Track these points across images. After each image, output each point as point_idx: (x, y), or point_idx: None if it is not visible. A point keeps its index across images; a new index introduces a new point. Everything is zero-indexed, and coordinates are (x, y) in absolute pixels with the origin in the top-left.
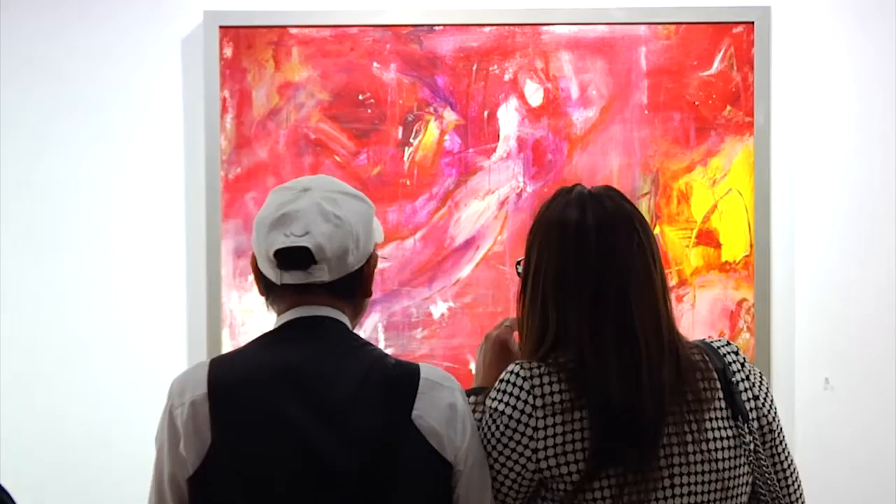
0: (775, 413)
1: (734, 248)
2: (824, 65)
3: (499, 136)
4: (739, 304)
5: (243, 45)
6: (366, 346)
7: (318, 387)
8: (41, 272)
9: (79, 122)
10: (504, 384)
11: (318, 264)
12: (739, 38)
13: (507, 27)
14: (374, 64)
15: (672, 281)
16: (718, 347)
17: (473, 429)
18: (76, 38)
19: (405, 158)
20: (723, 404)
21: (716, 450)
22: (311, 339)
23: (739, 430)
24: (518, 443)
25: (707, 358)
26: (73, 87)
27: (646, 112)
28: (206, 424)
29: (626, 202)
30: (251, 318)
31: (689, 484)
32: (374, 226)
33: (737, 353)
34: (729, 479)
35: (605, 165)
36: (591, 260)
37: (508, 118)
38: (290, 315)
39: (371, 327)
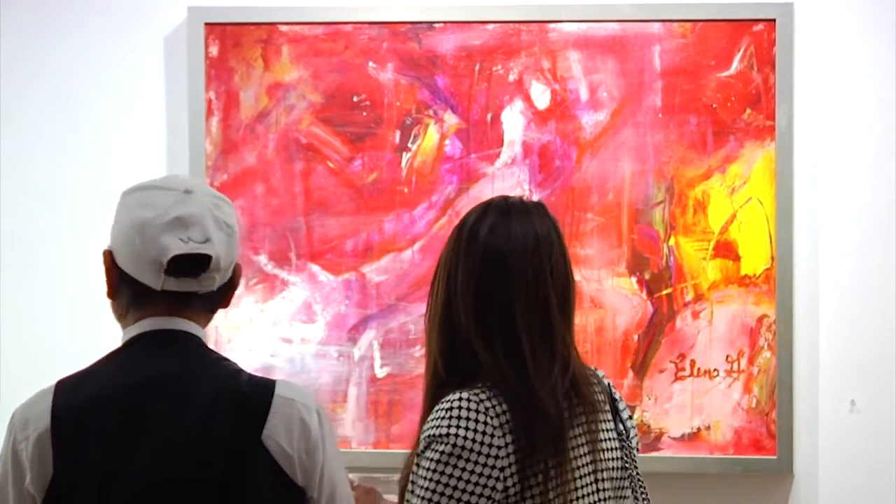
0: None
1: (754, 260)
2: (850, 65)
3: (503, 140)
4: (760, 320)
5: (230, 43)
6: (221, 362)
7: (168, 408)
8: (17, 277)
9: (55, 125)
10: (455, 410)
11: (210, 273)
12: (760, 37)
13: (511, 25)
14: (370, 63)
15: (688, 296)
16: (596, 371)
17: (334, 454)
18: (52, 37)
19: (403, 164)
20: (609, 416)
21: (608, 459)
22: (165, 356)
23: (622, 444)
24: (484, 465)
25: (597, 376)
26: (49, 88)
27: (660, 115)
28: (50, 457)
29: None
30: (238, 334)
31: (581, 487)
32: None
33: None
34: (619, 488)
35: (616, 172)
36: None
37: (513, 122)
38: (140, 328)
39: (367, 345)
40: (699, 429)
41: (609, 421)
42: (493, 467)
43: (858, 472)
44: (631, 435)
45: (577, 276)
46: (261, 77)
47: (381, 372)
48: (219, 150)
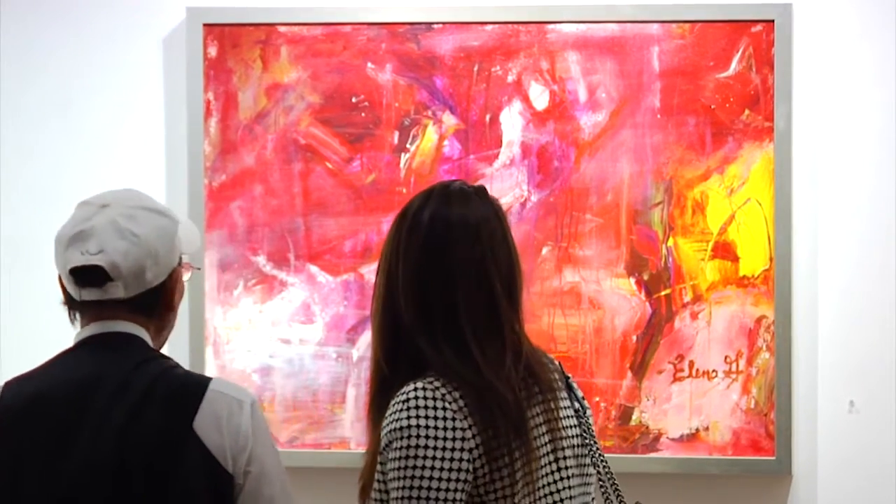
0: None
1: (753, 261)
2: (850, 66)
3: (501, 141)
4: (758, 321)
5: (229, 44)
6: (157, 359)
7: (103, 402)
8: (17, 281)
9: (55, 126)
10: (412, 401)
11: (114, 282)
12: (759, 38)
13: (510, 25)
14: (369, 64)
15: (687, 296)
16: (546, 353)
17: (265, 445)
18: (52, 38)
19: (402, 165)
20: (565, 394)
21: (569, 437)
22: (104, 355)
23: (580, 420)
24: (453, 450)
25: (550, 358)
26: (49, 89)
27: (658, 116)
28: None
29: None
30: (237, 335)
31: (540, 467)
32: (180, 240)
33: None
34: (574, 476)
35: (614, 173)
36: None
37: (512, 122)
38: (86, 332)
39: (365, 346)
40: (698, 430)
41: (565, 399)
42: (462, 450)
43: (857, 473)
44: (587, 412)
45: (576, 277)
46: (259, 78)
47: None
48: (217, 151)
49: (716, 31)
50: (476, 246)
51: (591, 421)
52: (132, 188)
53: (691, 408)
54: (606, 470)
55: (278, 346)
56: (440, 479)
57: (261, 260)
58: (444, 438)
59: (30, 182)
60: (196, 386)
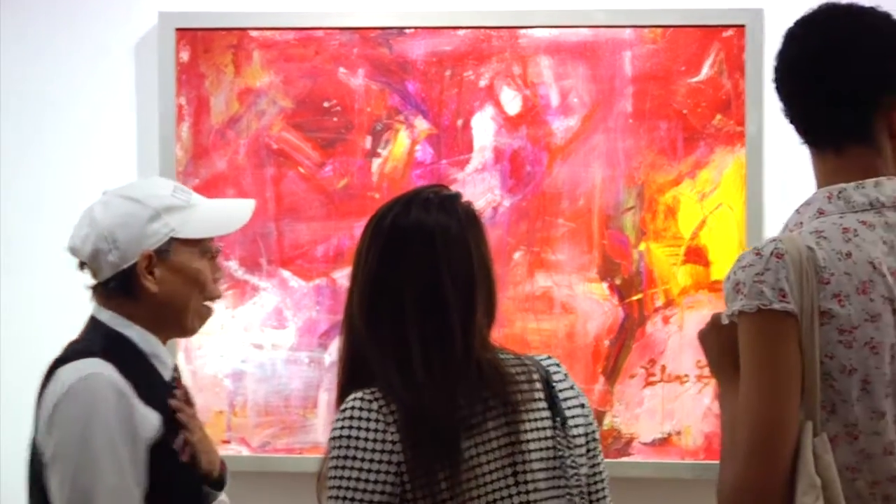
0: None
1: (725, 266)
2: None
3: (473, 146)
4: None
5: (201, 48)
6: (74, 344)
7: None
8: None
9: (26, 131)
10: (349, 411)
11: (84, 266)
12: (730, 43)
13: (482, 30)
14: (341, 69)
15: (659, 301)
16: (541, 360)
17: (68, 429)
18: (24, 44)
19: (374, 170)
20: (543, 405)
21: (535, 450)
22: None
23: (557, 433)
24: (380, 461)
25: (528, 365)
26: (19, 95)
27: (630, 121)
28: None
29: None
30: (209, 340)
31: (493, 482)
32: (155, 227)
33: (558, 366)
34: (539, 489)
35: (587, 178)
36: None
37: (484, 127)
38: None
39: (337, 351)
40: (670, 434)
41: (539, 410)
42: (390, 462)
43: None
44: (576, 423)
45: (548, 282)
46: (231, 82)
47: None
48: (189, 156)
49: (687, 36)
50: (429, 254)
51: (576, 432)
52: (155, 177)
53: (663, 412)
54: (577, 483)
55: (250, 351)
56: (364, 491)
57: (233, 265)
58: (373, 451)
59: (2, 185)
60: (55, 365)
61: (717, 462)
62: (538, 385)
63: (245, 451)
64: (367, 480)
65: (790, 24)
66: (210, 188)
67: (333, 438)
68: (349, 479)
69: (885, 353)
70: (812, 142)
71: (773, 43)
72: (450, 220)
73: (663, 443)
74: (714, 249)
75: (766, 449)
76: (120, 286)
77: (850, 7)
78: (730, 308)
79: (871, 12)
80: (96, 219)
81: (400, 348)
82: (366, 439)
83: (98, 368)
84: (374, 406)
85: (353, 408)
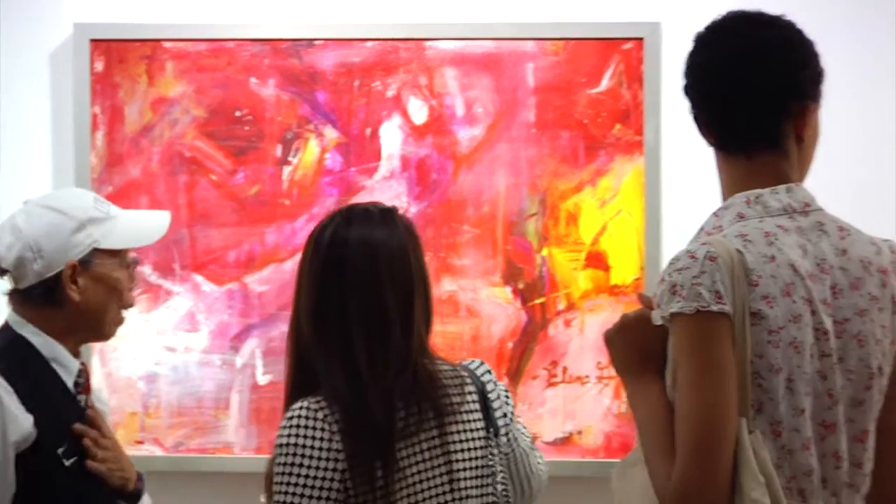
0: (516, 429)
1: (624, 271)
2: None
3: (381, 154)
4: None
5: (115, 58)
6: None
7: None
8: None
9: None
10: (295, 419)
11: (5, 273)
12: (629, 55)
13: (390, 42)
14: (252, 79)
15: (560, 304)
16: (475, 369)
17: None
18: None
19: (284, 177)
20: (477, 417)
21: (468, 458)
22: None
23: (489, 443)
24: (325, 469)
25: (463, 376)
26: None
27: (533, 130)
28: None
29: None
30: (123, 343)
31: (428, 488)
32: (79, 238)
33: (490, 373)
34: (471, 496)
35: (491, 185)
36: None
37: (391, 136)
38: None
39: (249, 353)
40: (571, 433)
41: (473, 421)
42: (335, 470)
43: None
44: (502, 433)
45: (453, 286)
46: (145, 92)
47: (263, 379)
48: (104, 164)
49: (588, 49)
50: (372, 266)
51: (506, 440)
52: (76, 188)
53: (565, 412)
54: (504, 489)
55: (164, 354)
56: (311, 497)
57: (146, 269)
58: (319, 458)
59: None
60: None
61: (617, 460)
62: (472, 397)
63: (158, 452)
64: (313, 486)
65: (686, 36)
66: (124, 195)
67: (280, 445)
68: (296, 485)
69: (805, 353)
70: (722, 147)
71: (670, 55)
72: (390, 232)
73: (565, 442)
74: (614, 254)
75: (709, 447)
76: (43, 294)
77: (759, 16)
78: (665, 309)
79: (781, 22)
80: (20, 228)
81: (346, 354)
82: (311, 447)
83: None
84: (320, 415)
85: (299, 416)
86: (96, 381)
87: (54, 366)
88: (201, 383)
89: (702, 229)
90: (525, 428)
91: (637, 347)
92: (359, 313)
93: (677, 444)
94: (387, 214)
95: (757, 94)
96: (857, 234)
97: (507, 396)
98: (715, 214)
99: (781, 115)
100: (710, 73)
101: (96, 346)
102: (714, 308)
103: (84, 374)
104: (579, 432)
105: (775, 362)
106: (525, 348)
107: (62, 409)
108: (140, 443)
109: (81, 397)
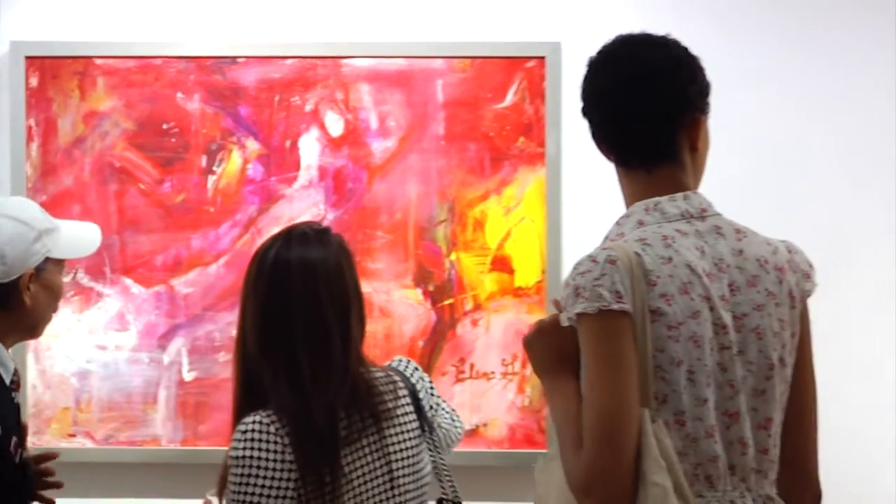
0: (440, 417)
1: (527, 274)
2: None
3: (300, 165)
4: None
5: (49, 74)
6: None
7: None
8: None
9: None
10: (249, 433)
11: None
12: (532, 72)
13: (308, 60)
14: (178, 94)
15: (468, 305)
16: (404, 370)
17: None
18: None
19: (209, 186)
20: (411, 418)
21: (406, 458)
22: None
23: (422, 440)
24: (280, 479)
25: (396, 381)
26: None
27: (442, 143)
28: None
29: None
30: (56, 341)
31: (370, 489)
32: (37, 247)
33: (417, 369)
34: (409, 490)
35: (403, 194)
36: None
37: (310, 148)
38: None
39: (175, 351)
40: (478, 426)
41: (407, 423)
42: (288, 479)
43: None
44: (436, 428)
45: (367, 288)
46: (77, 106)
47: (188, 376)
48: (38, 173)
49: (493, 67)
50: (313, 286)
51: (442, 436)
52: (24, 198)
53: (472, 406)
54: (450, 483)
55: (95, 352)
56: (267, 502)
57: (79, 273)
58: (273, 469)
59: None
60: None
61: (520, 451)
62: (405, 399)
63: (90, 444)
64: (269, 496)
65: (585, 55)
66: (58, 204)
67: (236, 458)
68: (254, 494)
69: (705, 346)
70: (623, 163)
71: (569, 72)
72: (327, 252)
73: (472, 434)
74: (517, 258)
75: (613, 436)
76: None
77: (647, 38)
78: (570, 311)
79: (667, 42)
80: None
81: (290, 369)
82: (266, 459)
83: None
84: (272, 429)
85: (253, 430)
86: (31, 377)
87: None
88: (130, 380)
89: (606, 237)
90: (444, 403)
91: (553, 349)
92: (302, 331)
93: (584, 434)
94: (322, 235)
95: (652, 114)
96: (754, 235)
97: (430, 386)
98: (617, 223)
99: (675, 130)
100: (605, 97)
101: (31, 345)
102: (615, 307)
103: (16, 372)
104: (485, 425)
105: (676, 356)
106: (434, 346)
107: (4, 406)
108: (72, 436)
109: (15, 394)
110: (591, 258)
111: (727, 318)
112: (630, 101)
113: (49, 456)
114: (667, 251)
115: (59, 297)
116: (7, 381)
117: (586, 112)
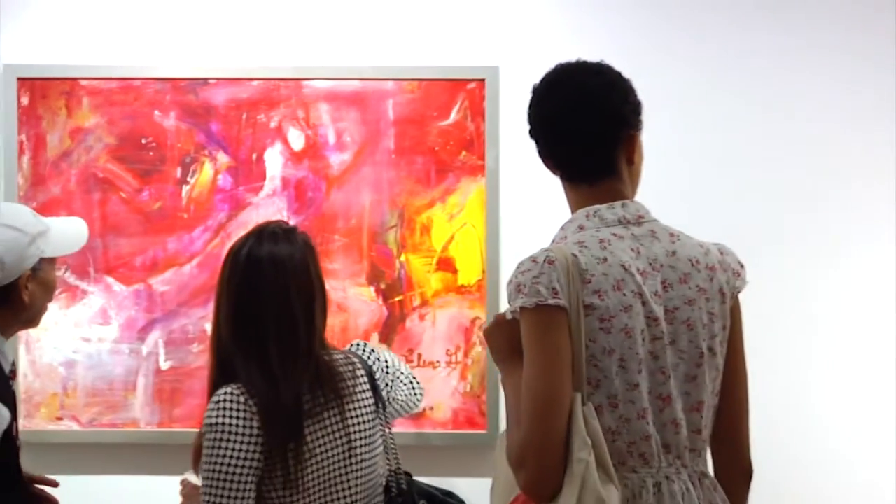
0: (397, 391)
1: (469, 273)
2: None
3: (265, 175)
4: (473, 321)
5: (39, 94)
6: None
7: None
8: None
9: None
10: (222, 402)
11: None
12: (473, 93)
13: (272, 81)
14: (156, 112)
15: (416, 302)
16: (361, 353)
17: None
18: None
19: (183, 195)
20: (367, 395)
21: (362, 430)
22: None
23: (378, 416)
24: (248, 444)
25: (354, 363)
26: None
27: (393, 156)
28: None
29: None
30: (45, 334)
31: (331, 459)
32: (39, 248)
33: (373, 351)
34: (364, 460)
35: (358, 202)
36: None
37: (274, 160)
38: None
39: (153, 343)
40: (425, 409)
41: (364, 400)
42: (256, 444)
43: None
44: (389, 403)
45: (327, 286)
46: (65, 122)
47: (164, 365)
48: (29, 183)
49: (439, 88)
50: (282, 280)
51: (392, 412)
52: (16, 204)
53: None
54: (394, 454)
55: (80, 344)
56: (237, 466)
57: (66, 272)
58: (242, 434)
59: None
60: None
61: (463, 431)
62: (363, 379)
63: (76, 427)
64: (238, 458)
65: (521, 78)
66: (47, 210)
67: (210, 424)
68: (223, 457)
69: (637, 337)
70: (568, 178)
71: (507, 93)
72: (294, 249)
73: (420, 417)
74: (460, 260)
75: (545, 415)
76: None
77: (583, 65)
78: (513, 306)
79: (602, 68)
80: None
81: (260, 354)
82: (236, 426)
83: None
84: (241, 399)
85: (225, 399)
86: (23, 366)
87: None
88: (112, 368)
89: (553, 240)
90: (405, 370)
91: (507, 340)
92: (272, 321)
93: (521, 415)
94: (290, 233)
95: (592, 133)
96: (687, 238)
97: (387, 364)
98: (562, 228)
99: (613, 146)
100: (550, 120)
101: (22, 336)
102: (551, 302)
103: (14, 362)
104: (431, 408)
105: (607, 345)
106: (386, 338)
107: (5, 393)
108: (60, 419)
109: (12, 382)
110: (532, 259)
111: (659, 311)
112: (572, 123)
113: (49, 483)
114: (602, 252)
115: (53, 290)
116: (7, 370)
117: (533, 134)
